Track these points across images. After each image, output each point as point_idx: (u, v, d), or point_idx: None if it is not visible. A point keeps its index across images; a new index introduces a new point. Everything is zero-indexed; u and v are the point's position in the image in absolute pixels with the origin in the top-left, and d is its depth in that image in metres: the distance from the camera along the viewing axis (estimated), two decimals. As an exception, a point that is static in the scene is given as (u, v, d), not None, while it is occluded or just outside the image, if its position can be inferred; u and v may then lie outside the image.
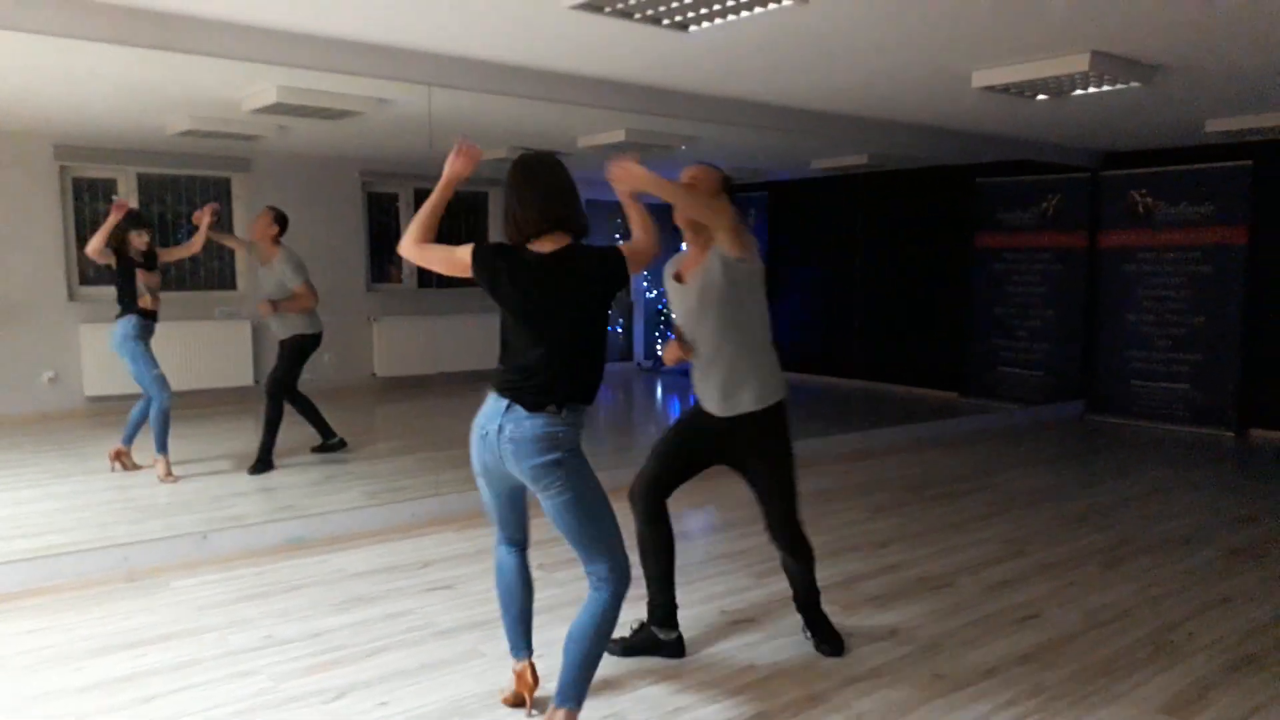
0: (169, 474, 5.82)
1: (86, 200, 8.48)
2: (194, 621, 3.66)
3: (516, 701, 2.98)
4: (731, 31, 4.26)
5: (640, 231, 2.78)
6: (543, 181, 2.72)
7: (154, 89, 5.91)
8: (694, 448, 3.36)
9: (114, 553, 4.16)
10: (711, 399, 3.25)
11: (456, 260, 2.80)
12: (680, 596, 3.94)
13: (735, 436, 3.26)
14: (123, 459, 6.07)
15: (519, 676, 2.95)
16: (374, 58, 4.64)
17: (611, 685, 3.16)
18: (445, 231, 2.92)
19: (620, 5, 3.68)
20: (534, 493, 2.73)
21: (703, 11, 3.76)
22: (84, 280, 8.48)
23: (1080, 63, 4.74)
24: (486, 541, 3.86)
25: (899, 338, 10.32)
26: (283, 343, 6.17)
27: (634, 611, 3.61)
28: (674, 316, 3.32)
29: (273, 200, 9.06)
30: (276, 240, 6.08)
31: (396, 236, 10.37)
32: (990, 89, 5.23)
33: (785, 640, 3.55)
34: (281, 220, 6.12)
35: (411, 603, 3.85)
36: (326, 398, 9.17)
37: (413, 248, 2.85)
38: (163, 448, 5.83)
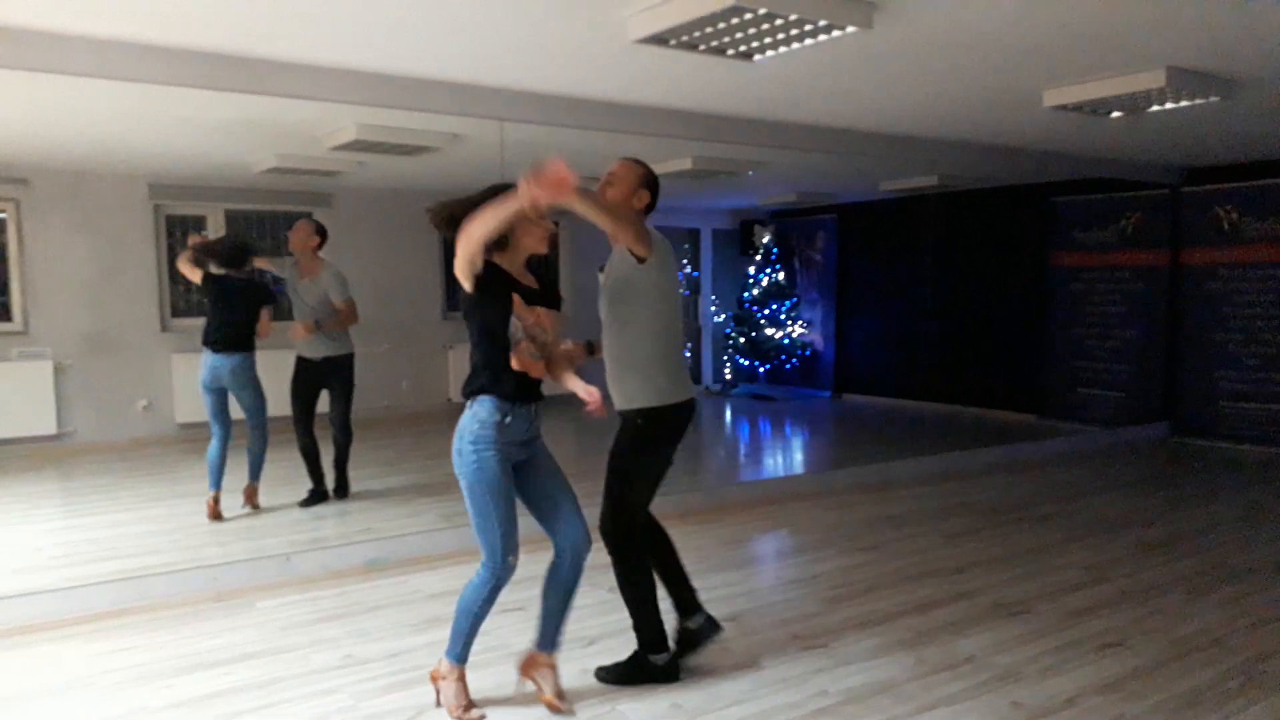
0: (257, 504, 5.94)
1: (178, 236, 8.85)
2: (278, 641, 3.78)
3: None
4: (797, 59, 4.30)
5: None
6: None
7: (242, 130, 6.18)
8: None
9: (203, 574, 4.32)
10: (611, 389, 3.35)
11: (471, 264, 2.85)
12: (746, 622, 3.96)
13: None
14: (251, 499, 5.90)
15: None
16: (448, 95, 4.79)
17: (684, 709, 3.17)
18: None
19: (685, 38, 3.75)
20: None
21: (767, 41, 3.80)
22: (175, 313, 8.85)
23: (1156, 79, 4.66)
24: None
25: (974, 359, 10.15)
26: (315, 365, 5.90)
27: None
28: None
29: (353, 233, 9.38)
30: (317, 252, 5.89)
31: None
32: (1062, 108, 5.16)
33: (858, 666, 3.52)
34: (322, 232, 5.93)
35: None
36: (403, 423, 9.43)
37: (464, 239, 2.78)
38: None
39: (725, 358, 12.05)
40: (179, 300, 8.89)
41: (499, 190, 2.89)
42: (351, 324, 5.92)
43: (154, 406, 8.65)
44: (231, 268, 5.65)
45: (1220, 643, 3.75)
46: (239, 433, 5.91)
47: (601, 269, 3.47)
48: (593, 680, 3.39)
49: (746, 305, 11.48)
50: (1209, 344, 8.24)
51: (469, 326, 3.04)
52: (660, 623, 3.40)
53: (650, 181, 3.33)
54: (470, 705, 3.13)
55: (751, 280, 11.49)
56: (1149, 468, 7.47)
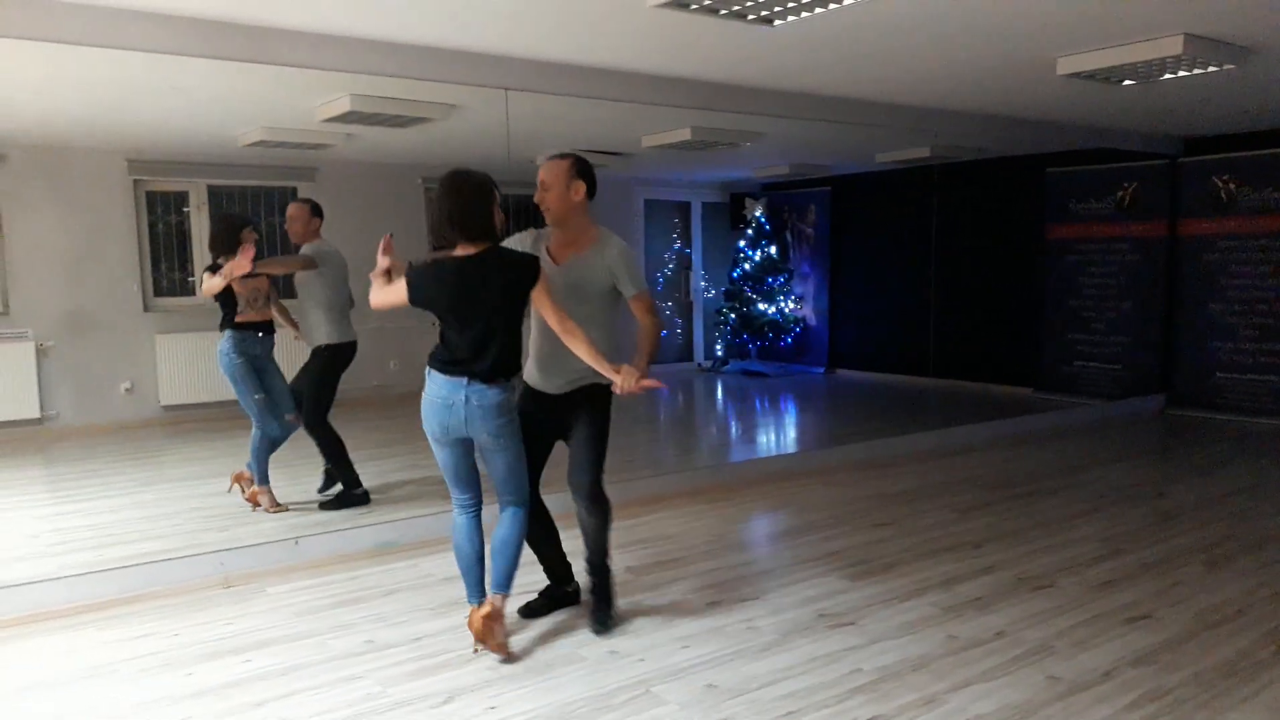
0: (275, 504, 5.31)
1: (159, 213, 8.63)
2: (294, 627, 3.68)
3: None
4: (816, 24, 4.19)
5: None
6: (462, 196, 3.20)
7: (231, 101, 5.99)
8: (540, 432, 3.62)
9: (210, 559, 4.20)
10: (557, 377, 3.52)
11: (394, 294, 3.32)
12: (771, 601, 3.91)
13: (570, 406, 3.56)
14: (241, 481, 5.49)
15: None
16: (455, 63, 4.66)
17: (719, 689, 3.11)
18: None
19: (707, 2, 3.63)
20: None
21: (790, 5, 3.69)
22: (158, 291, 8.64)
23: (1173, 46, 4.60)
24: (572, 545, 3.83)
25: (970, 333, 10.12)
26: (315, 352, 5.42)
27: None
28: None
29: (338, 207, 9.15)
30: (318, 234, 5.43)
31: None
32: (1075, 75, 5.09)
33: (889, 643, 3.48)
34: (319, 211, 5.43)
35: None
36: (393, 404, 9.28)
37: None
38: (263, 479, 5.30)
39: (716, 334, 11.96)
40: (161, 279, 8.68)
41: (489, 187, 3.25)
42: (290, 269, 5.24)
43: (137, 389, 8.45)
44: (225, 251, 5.05)
45: (1244, 613, 3.74)
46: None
47: (548, 252, 3.52)
48: (623, 663, 3.33)
49: (738, 280, 11.37)
50: (1205, 316, 8.25)
51: (513, 315, 3.25)
52: None
53: (581, 170, 3.42)
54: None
55: (743, 255, 11.38)
56: (1149, 440, 7.49)
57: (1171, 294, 8.49)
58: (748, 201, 11.58)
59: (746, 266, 11.31)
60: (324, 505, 5.43)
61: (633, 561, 4.37)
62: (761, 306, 11.20)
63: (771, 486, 5.94)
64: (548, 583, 3.85)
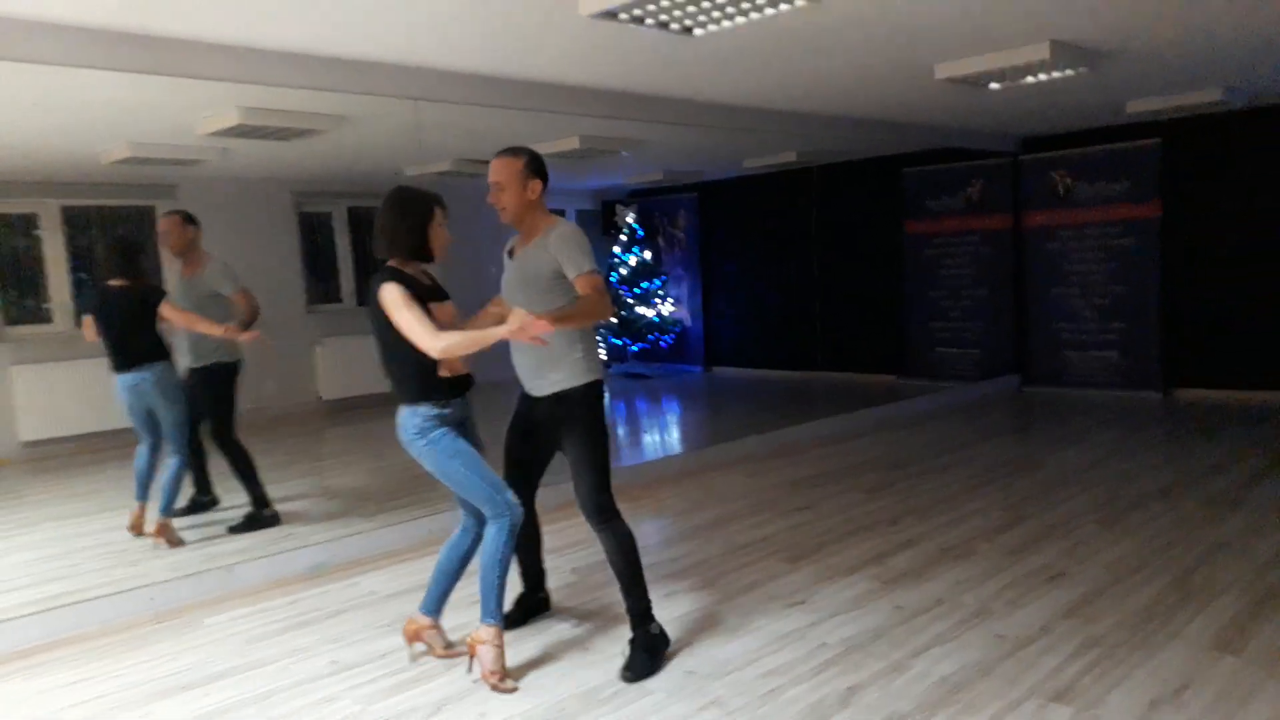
0: (177, 539, 5.04)
1: (4, 236, 8.02)
2: (247, 656, 3.55)
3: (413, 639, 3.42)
4: (732, 36, 4.36)
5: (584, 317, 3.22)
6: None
7: (99, 116, 5.66)
8: (530, 434, 3.46)
9: (139, 595, 3.98)
10: (530, 379, 3.38)
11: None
12: (720, 588, 4.04)
13: (551, 415, 3.34)
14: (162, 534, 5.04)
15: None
16: (373, 75, 4.60)
17: (698, 674, 3.21)
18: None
19: (636, 11, 3.74)
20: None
21: (715, 15, 3.84)
22: (10, 320, 8.02)
23: (1040, 51, 5.01)
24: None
25: (837, 327, 10.62)
26: (197, 372, 5.26)
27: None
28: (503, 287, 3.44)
29: (204, 225, 8.72)
30: (197, 244, 5.36)
31: (332, 256, 10.18)
32: (951, 80, 5.47)
33: (844, 617, 3.67)
34: (194, 221, 5.37)
35: (464, 617, 3.78)
36: (272, 425, 8.94)
37: (447, 352, 2.99)
38: (172, 509, 5.05)
39: (598, 338, 12.07)
40: (12, 308, 8.06)
41: (416, 205, 3.14)
42: (257, 316, 5.23)
43: (-11, 425, 7.83)
44: (116, 275, 4.93)
45: (1146, 564, 4.13)
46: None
47: (510, 253, 3.42)
48: (599, 659, 3.38)
49: (614, 285, 11.52)
50: (1051, 300, 8.96)
51: (387, 337, 3.07)
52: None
53: (537, 169, 3.25)
54: (506, 674, 3.16)
55: (618, 260, 11.54)
56: (1012, 417, 8.07)
57: (1020, 281, 9.17)
58: (618, 208, 11.76)
59: (622, 271, 11.48)
60: (233, 529, 5.22)
61: (578, 563, 4.41)
62: (640, 310, 11.38)
63: (687, 481, 6.09)
64: (521, 590, 3.75)
